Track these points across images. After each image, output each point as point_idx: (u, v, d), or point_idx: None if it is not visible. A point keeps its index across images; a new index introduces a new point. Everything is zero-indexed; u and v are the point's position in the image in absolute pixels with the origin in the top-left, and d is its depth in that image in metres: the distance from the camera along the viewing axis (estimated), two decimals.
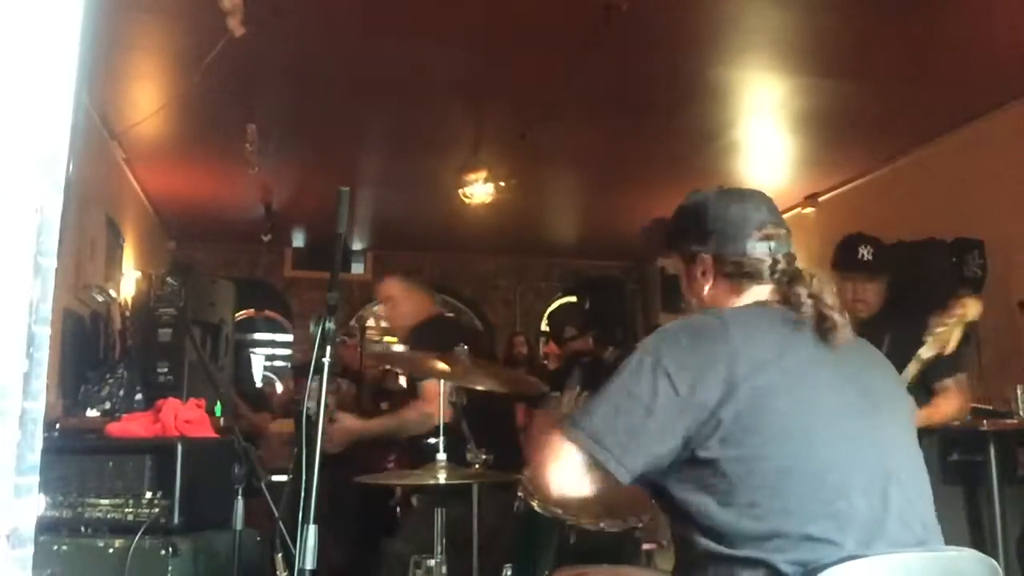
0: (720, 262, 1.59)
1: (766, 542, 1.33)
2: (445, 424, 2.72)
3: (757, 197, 1.65)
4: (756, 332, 1.47)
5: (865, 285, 3.25)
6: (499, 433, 3.33)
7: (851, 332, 1.50)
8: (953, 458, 3.48)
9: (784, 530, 1.33)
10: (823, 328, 1.48)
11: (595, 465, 1.40)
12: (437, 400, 3.20)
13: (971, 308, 2.78)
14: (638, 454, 1.39)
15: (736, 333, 1.44)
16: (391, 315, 3.72)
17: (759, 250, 1.56)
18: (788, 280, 1.54)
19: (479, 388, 2.83)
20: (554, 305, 9.72)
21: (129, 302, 5.85)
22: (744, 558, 1.33)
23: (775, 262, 1.55)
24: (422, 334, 3.48)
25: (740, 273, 1.57)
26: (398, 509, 4.35)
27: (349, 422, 3.33)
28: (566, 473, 1.43)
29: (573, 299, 9.56)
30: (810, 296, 1.50)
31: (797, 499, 1.35)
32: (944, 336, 2.76)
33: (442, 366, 2.81)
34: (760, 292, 1.57)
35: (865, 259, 3.27)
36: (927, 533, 1.43)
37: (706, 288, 1.61)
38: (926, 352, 2.78)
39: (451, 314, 6.47)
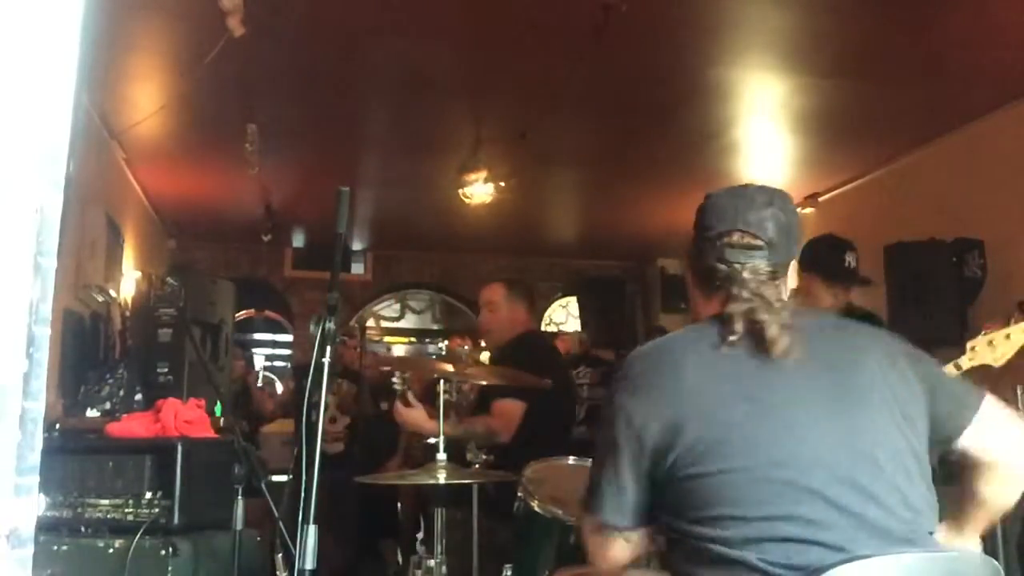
0: (690, 264, 1.62)
1: (750, 547, 1.34)
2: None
3: (751, 198, 1.55)
4: (704, 351, 1.47)
5: (847, 292, 3.16)
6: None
7: (793, 339, 1.43)
8: (953, 458, 3.46)
9: (766, 536, 1.34)
10: (760, 345, 1.43)
11: (620, 543, 1.53)
12: (508, 422, 3.23)
13: None
14: (635, 501, 1.48)
15: (682, 357, 1.47)
16: (486, 319, 3.69)
17: (712, 256, 1.53)
18: (735, 289, 1.49)
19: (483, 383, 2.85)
20: (565, 306, 9.72)
21: (129, 302, 5.85)
22: (732, 560, 1.34)
23: (734, 272, 1.50)
24: (511, 352, 3.48)
25: (700, 277, 1.57)
26: (421, 519, 4.32)
27: (419, 415, 3.29)
28: (607, 559, 1.57)
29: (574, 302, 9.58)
30: (744, 313, 1.45)
31: (773, 506, 1.35)
32: (1003, 349, 2.56)
33: (444, 366, 2.82)
34: (718, 302, 1.53)
35: (852, 267, 3.19)
36: (915, 516, 1.41)
37: (691, 291, 1.63)
38: (968, 362, 2.60)
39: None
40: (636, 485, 1.46)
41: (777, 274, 1.52)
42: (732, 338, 1.44)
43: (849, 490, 1.37)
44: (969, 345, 2.56)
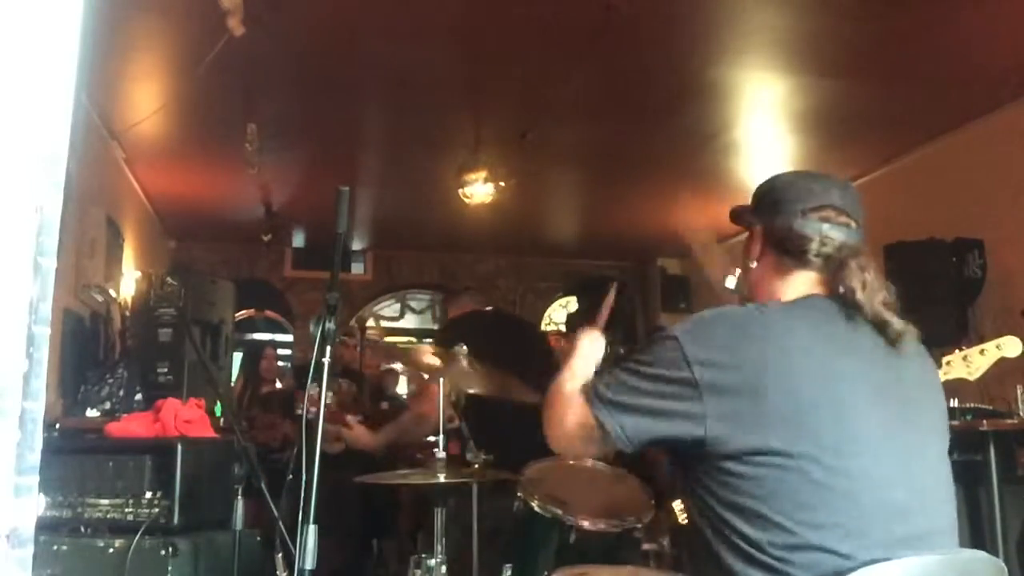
0: (768, 235, 1.55)
1: (791, 553, 1.30)
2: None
3: (833, 181, 1.56)
4: (793, 334, 1.41)
5: None
6: (504, 432, 3.30)
7: (912, 336, 1.45)
8: (953, 458, 3.47)
9: (809, 544, 1.30)
10: (885, 334, 1.43)
11: (602, 432, 1.45)
12: (435, 400, 3.18)
13: (1012, 346, 2.69)
14: (645, 431, 1.43)
15: (772, 334, 1.40)
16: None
17: (807, 228, 1.49)
18: (835, 268, 1.47)
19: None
20: (565, 306, 9.71)
21: (129, 302, 5.85)
22: (769, 566, 1.31)
23: (822, 244, 1.48)
24: None
25: (783, 250, 1.52)
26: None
27: (360, 432, 3.32)
28: (577, 438, 1.52)
29: (571, 300, 9.56)
30: (864, 293, 1.43)
31: (823, 512, 1.31)
32: (977, 363, 2.68)
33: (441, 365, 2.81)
34: (806, 279, 1.51)
35: None
36: (950, 538, 1.43)
37: (753, 262, 1.58)
38: (943, 376, 2.69)
39: None
40: (676, 421, 1.38)
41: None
42: (851, 318, 1.43)
43: (906, 519, 1.35)
44: (945, 360, 2.69)
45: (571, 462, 2.62)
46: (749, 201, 1.65)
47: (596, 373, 1.64)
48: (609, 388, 1.47)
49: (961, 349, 2.70)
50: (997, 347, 2.67)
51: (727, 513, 1.35)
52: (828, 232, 1.48)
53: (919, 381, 1.49)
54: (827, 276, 1.48)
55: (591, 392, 1.50)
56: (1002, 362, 2.84)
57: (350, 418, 3.40)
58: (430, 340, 3.31)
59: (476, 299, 3.83)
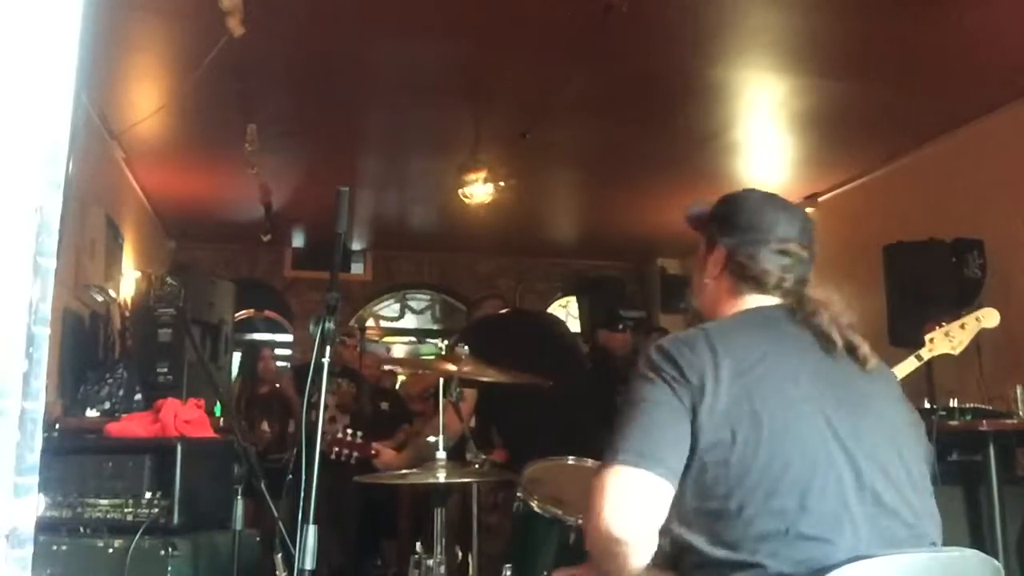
0: (731, 259, 1.59)
1: (761, 543, 1.33)
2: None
3: (797, 213, 1.64)
4: (739, 338, 1.48)
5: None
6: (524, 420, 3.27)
7: (877, 360, 1.52)
8: (953, 458, 3.48)
9: (777, 530, 1.34)
10: (855, 357, 1.50)
11: (646, 481, 1.37)
12: (452, 413, 3.14)
13: (990, 317, 2.71)
14: (675, 454, 1.39)
15: (718, 342, 1.45)
16: None
17: (770, 262, 1.56)
18: (795, 297, 1.55)
19: (486, 379, 2.84)
20: (565, 306, 9.71)
21: (129, 302, 5.85)
22: (740, 562, 1.34)
23: (782, 279, 1.56)
24: None
25: (743, 276, 1.57)
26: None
27: (388, 455, 3.32)
28: (625, 504, 1.38)
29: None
30: (830, 325, 1.50)
31: (787, 499, 1.35)
32: (959, 337, 2.70)
33: (444, 366, 2.81)
34: (758, 301, 1.57)
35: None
36: (925, 528, 1.43)
37: (709, 279, 1.62)
38: (927, 353, 2.71)
39: None
40: (684, 436, 1.39)
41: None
42: (798, 324, 1.51)
43: (868, 494, 1.38)
44: (927, 337, 2.68)
45: (570, 461, 2.63)
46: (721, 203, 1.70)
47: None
48: (624, 440, 1.41)
49: (941, 326, 2.71)
50: (977, 319, 2.70)
51: (693, 511, 1.39)
52: (788, 267, 1.56)
53: (874, 388, 1.52)
54: (788, 302, 1.56)
55: (609, 456, 1.41)
56: (1002, 361, 2.84)
57: (376, 445, 3.38)
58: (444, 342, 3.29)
59: (497, 305, 3.91)
